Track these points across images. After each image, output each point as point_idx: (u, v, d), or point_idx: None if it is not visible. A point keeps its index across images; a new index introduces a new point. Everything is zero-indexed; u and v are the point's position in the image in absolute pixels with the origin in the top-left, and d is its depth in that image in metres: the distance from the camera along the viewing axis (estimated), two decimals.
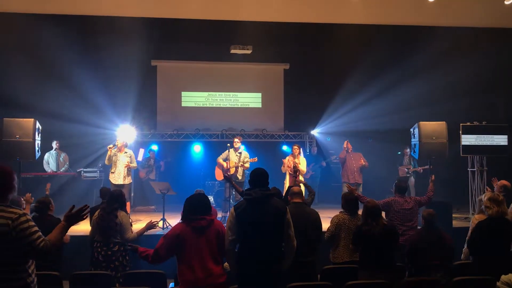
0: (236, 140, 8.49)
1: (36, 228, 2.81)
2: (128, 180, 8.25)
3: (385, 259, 4.32)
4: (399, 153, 10.92)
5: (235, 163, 8.22)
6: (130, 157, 8.30)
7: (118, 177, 8.11)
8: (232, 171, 8.18)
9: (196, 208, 3.61)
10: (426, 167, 9.52)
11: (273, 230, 3.59)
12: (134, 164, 8.45)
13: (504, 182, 6.20)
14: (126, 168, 8.14)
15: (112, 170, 8.18)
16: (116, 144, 8.27)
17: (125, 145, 8.35)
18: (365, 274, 4.27)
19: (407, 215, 5.73)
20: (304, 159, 8.56)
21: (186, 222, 3.58)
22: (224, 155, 8.45)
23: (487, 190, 6.17)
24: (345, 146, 9.19)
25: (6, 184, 2.81)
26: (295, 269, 4.23)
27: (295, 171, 7.81)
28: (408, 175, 10.22)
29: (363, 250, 4.42)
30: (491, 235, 4.44)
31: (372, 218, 4.40)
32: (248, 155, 8.53)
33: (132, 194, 10.03)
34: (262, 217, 3.57)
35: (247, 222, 3.57)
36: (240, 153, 8.36)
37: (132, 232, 4.95)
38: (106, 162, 8.27)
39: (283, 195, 5.60)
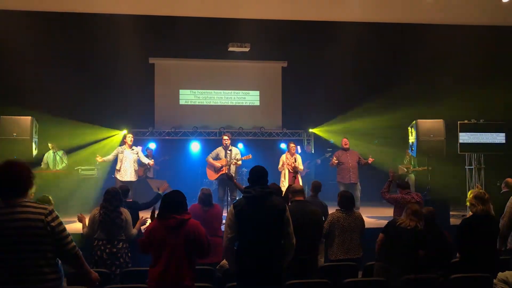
0: (225, 137, 8.31)
1: (65, 226, 2.82)
2: (135, 177, 8.26)
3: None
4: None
5: (227, 161, 8.13)
6: (137, 153, 8.32)
7: (125, 174, 8.11)
8: (225, 170, 8.11)
9: (166, 206, 3.54)
10: (425, 168, 9.44)
11: (273, 228, 3.58)
12: (145, 160, 8.43)
13: (509, 179, 6.28)
14: (133, 165, 8.16)
15: (118, 168, 8.16)
16: (125, 141, 8.35)
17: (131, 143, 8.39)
18: (383, 267, 4.33)
19: None
20: (299, 156, 8.57)
21: (158, 219, 3.57)
22: (214, 153, 8.34)
23: (477, 187, 6.24)
24: (343, 144, 8.89)
25: (25, 180, 2.78)
26: (296, 266, 4.25)
27: (295, 171, 7.78)
28: (408, 174, 10.22)
29: (397, 245, 4.40)
30: (476, 233, 4.46)
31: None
32: (239, 152, 8.42)
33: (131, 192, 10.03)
34: (262, 215, 3.56)
35: (246, 220, 3.57)
36: (230, 150, 8.20)
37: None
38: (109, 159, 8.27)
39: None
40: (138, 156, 8.30)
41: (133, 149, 8.32)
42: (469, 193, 4.88)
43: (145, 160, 8.42)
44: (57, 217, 2.76)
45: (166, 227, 3.48)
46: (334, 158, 8.70)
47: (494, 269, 4.05)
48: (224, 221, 6.71)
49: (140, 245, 3.60)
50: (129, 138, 8.37)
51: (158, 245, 3.47)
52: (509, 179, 6.26)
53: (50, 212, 2.74)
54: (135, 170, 8.27)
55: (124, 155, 8.18)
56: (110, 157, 8.21)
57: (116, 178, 8.15)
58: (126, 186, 6.33)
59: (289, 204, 4.74)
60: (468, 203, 4.78)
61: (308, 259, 4.46)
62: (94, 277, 3.00)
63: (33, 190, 2.87)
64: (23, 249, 2.65)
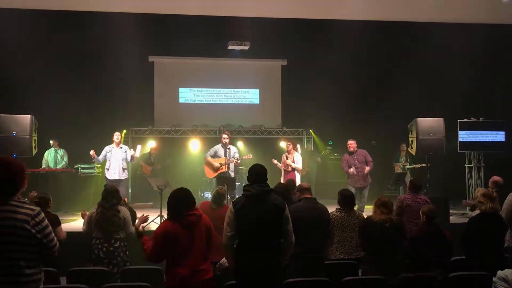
0: (224, 136, 8.32)
1: (51, 228, 2.80)
2: (124, 176, 8.22)
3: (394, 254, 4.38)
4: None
5: (227, 159, 8.12)
6: (126, 152, 8.27)
7: (114, 172, 8.09)
8: (224, 168, 8.09)
9: (180, 205, 3.53)
10: (424, 164, 9.37)
11: (272, 226, 3.60)
12: (128, 159, 8.36)
13: (495, 178, 6.20)
14: (122, 163, 8.13)
15: (107, 167, 8.15)
16: (114, 140, 8.24)
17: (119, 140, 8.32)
18: (371, 268, 4.33)
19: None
20: (299, 155, 8.52)
21: (174, 219, 3.51)
22: (212, 151, 8.34)
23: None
24: (348, 147, 8.60)
25: (19, 179, 2.74)
26: (309, 264, 4.26)
27: (287, 169, 7.83)
28: (404, 172, 10.20)
29: (375, 242, 4.43)
30: (484, 231, 4.46)
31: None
32: (237, 151, 8.43)
33: (130, 190, 10.01)
34: (261, 213, 3.57)
35: (245, 218, 3.58)
36: (229, 149, 8.23)
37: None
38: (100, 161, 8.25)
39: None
40: (126, 154, 8.24)
41: (121, 147, 8.28)
42: (476, 191, 4.89)
43: (129, 157, 8.30)
44: (43, 219, 2.73)
45: (187, 225, 3.46)
46: (344, 164, 8.51)
47: (501, 267, 4.05)
48: None
49: (150, 253, 3.49)
50: (116, 136, 8.28)
51: (183, 245, 3.43)
52: (496, 178, 6.18)
53: (37, 214, 2.70)
54: (123, 169, 8.20)
55: (112, 154, 8.15)
56: (100, 158, 8.17)
57: (105, 177, 8.14)
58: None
59: (298, 202, 4.76)
60: (476, 201, 4.78)
61: (320, 257, 4.48)
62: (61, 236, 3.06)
63: (23, 189, 2.82)
64: (5, 249, 2.62)
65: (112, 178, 8.01)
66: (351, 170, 8.35)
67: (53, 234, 2.79)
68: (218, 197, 5.48)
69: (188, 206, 3.53)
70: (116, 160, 8.13)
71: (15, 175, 2.72)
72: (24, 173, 2.79)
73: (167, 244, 3.44)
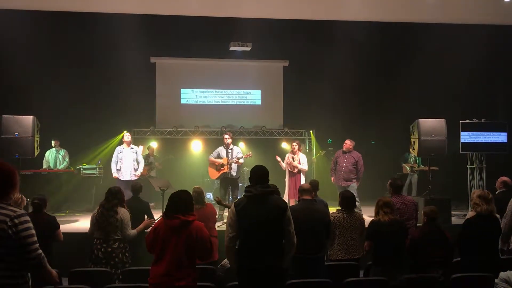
0: (226, 136, 8.33)
1: (34, 233, 2.73)
2: (136, 176, 8.24)
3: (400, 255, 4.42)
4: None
5: (228, 160, 8.15)
6: (136, 152, 8.29)
7: (125, 173, 8.10)
8: (226, 168, 8.12)
9: (172, 206, 3.55)
10: (435, 168, 9.19)
11: (274, 227, 3.59)
12: (139, 165, 8.38)
13: (504, 178, 6.19)
14: (133, 164, 8.14)
15: (118, 167, 8.15)
16: (123, 140, 8.32)
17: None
18: (379, 270, 4.34)
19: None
20: (304, 156, 8.53)
21: (164, 217, 3.59)
22: (215, 153, 8.35)
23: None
24: (343, 145, 8.69)
25: (9, 183, 2.72)
26: (304, 265, 4.25)
27: (293, 170, 7.82)
28: (411, 173, 10.17)
29: (384, 244, 4.46)
30: (480, 232, 4.46)
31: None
32: (240, 151, 8.43)
33: None
34: (263, 214, 3.57)
35: (247, 219, 3.58)
36: (231, 149, 8.25)
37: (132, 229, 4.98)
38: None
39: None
40: (137, 155, 8.27)
41: (132, 148, 8.29)
42: (472, 193, 4.90)
43: (139, 166, 8.31)
44: (25, 222, 2.68)
45: (170, 227, 3.49)
46: (333, 161, 8.79)
47: (496, 269, 4.05)
48: (218, 221, 6.76)
49: (146, 243, 3.64)
50: (127, 136, 8.30)
51: (162, 244, 3.48)
52: (505, 178, 6.15)
53: (18, 215, 2.67)
54: (135, 169, 8.24)
55: (123, 154, 8.16)
56: (114, 160, 8.19)
57: (117, 178, 8.14)
58: (139, 184, 6.31)
59: (297, 202, 4.77)
60: (471, 203, 4.79)
61: (317, 258, 4.47)
62: (54, 276, 2.92)
63: (14, 193, 2.81)
64: None
65: (124, 179, 8.01)
66: (333, 179, 8.73)
67: (34, 238, 2.72)
68: (198, 197, 5.42)
69: (178, 210, 3.51)
70: (127, 161, 8.15)
71: (3, 178, 2.71)
72: (15, 177, 2.76)
73: (153, 239, 3.55)
